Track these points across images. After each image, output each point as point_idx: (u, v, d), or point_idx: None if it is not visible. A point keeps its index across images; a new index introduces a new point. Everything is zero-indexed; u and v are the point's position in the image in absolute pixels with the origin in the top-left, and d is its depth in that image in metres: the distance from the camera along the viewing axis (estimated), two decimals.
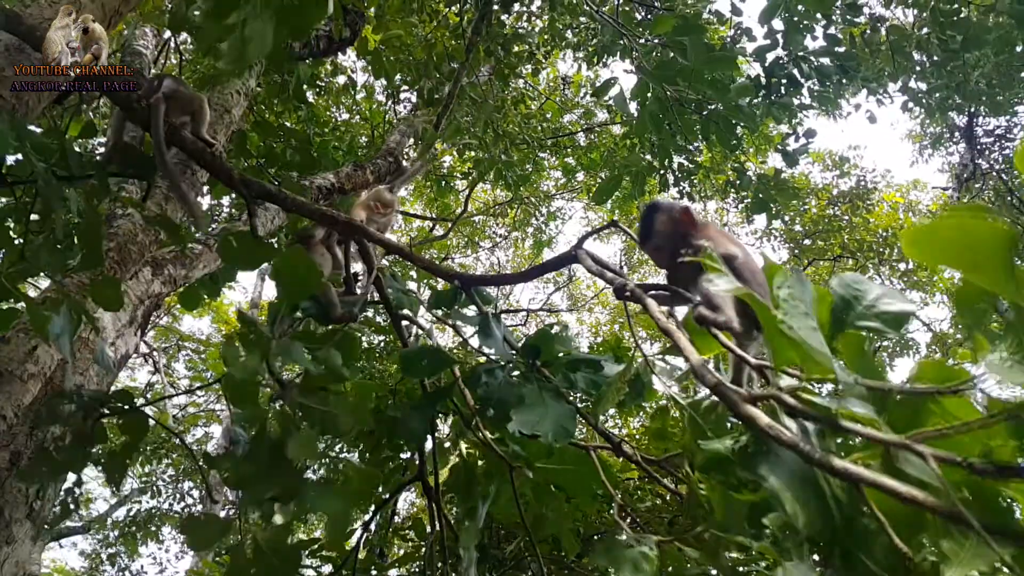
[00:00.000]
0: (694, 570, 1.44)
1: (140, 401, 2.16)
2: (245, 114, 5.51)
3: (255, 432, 1.71)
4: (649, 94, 4.78)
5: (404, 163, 6.69)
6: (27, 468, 1.95)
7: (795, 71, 5.86)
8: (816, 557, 1.12)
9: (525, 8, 8.25)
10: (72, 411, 1.88)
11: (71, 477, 2.21)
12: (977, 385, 1.00)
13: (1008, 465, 0.88)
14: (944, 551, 0.98)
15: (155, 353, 13.03)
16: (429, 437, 2.04)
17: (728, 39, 6.77)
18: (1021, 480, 0.88)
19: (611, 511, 2.04)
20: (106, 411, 1.93)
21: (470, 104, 7.62)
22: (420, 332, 2.23)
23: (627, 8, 6.55)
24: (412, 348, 2.04)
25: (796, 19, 5.61)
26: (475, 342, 2.05)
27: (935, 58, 6.72)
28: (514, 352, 1.86)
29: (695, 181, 7.29)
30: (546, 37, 8.04)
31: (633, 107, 5.07)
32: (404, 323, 2.42)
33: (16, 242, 2.30)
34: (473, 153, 8.06)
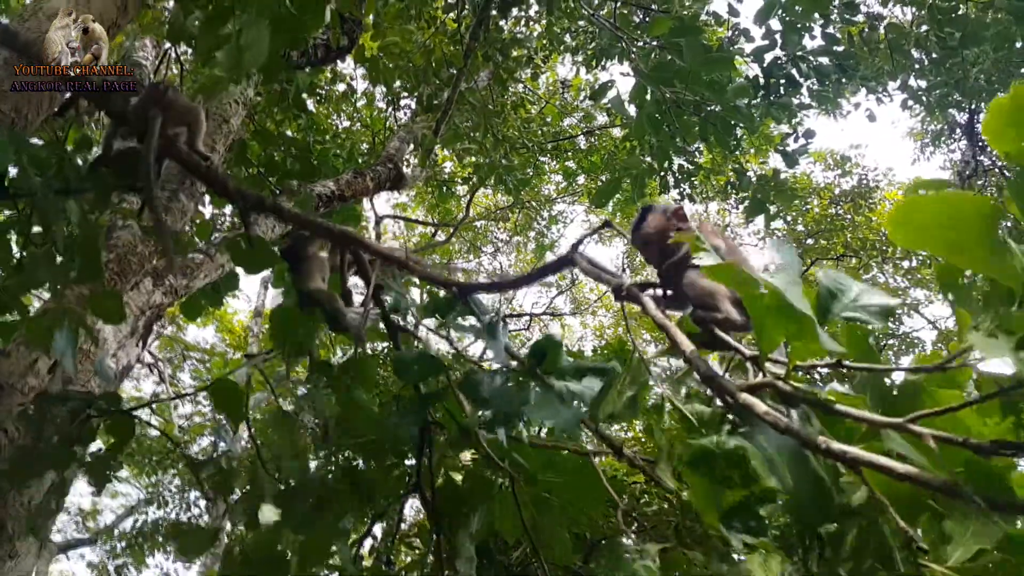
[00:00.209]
0: (701, 572, 1.43)
1: (136, 404, 2.17)
2: (244, 123, 5.52)
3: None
4: (647, 96, 4.78)
5: (404, 169, 6.70)
6: (8, 467, 1.95)
7: (794, 71, 5.86)
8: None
9: (523, 13, 8.26)
10: (59, 411, 1.89)
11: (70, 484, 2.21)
12: (967, 363, 1.00)
13: (1005, 441, 0.88)
14: (947, 531, 0.98)
15: (160, 363, 13.05)
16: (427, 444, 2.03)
17: (726, 40, 6.76)
18: (1019, 454, 0.88)
19: (616, 516, 2.03)
20: (93, 412, 1.93)
21: (470, 109, 7.63)
22: (417, 341, 2.23)
23: (625, 11, 6.55)
24: (405, 352, 2.03)
25: (792, 19, 5.60)
26: (472, 351, 2.05)
27: (934, 55, 6.71)
28: (516, 361, 1.85)
29: (695, 182, 7.29)
30: (544, 41, 8.05)
31: (632, 109, 5.07)
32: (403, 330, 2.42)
33: (19, 254, 2.31)
34: (473, 158, 8.07)
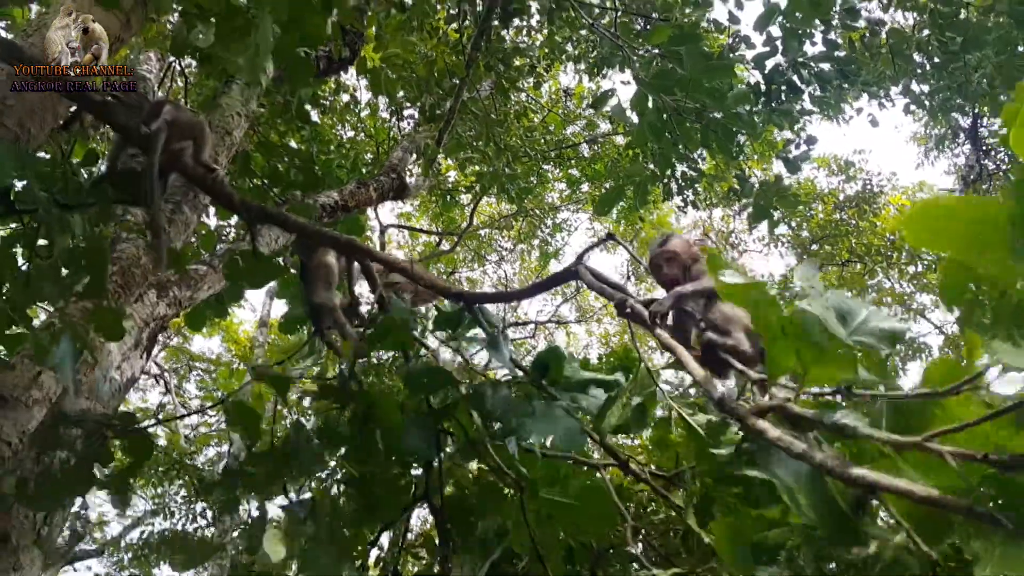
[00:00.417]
0: None
1: (150, 422, 2.16)
2: (248, 135, 5.54)
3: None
4: (649, 104, 4.78)
5: (408, 179, 6.71)
6: (33, 493, 1.94)
7: (795, 77, 5.86)
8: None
9: (524, 23, 8.29)
10: (76, 434, 1.88)
11: (78, 501, 2.21)
12: (977, 384, 0.99)
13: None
14: (975, 552, 0.96)
15: (166, 374, 13.07)
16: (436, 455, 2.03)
17: (727, 47, 6.77)
18: None
19: (623, 529, 2.01)
20: (109, 433, 1.93)
21: (472, 119, 7.65)
22: (425, 353, 2.23)
23: (625, 20, 6.57)
24: (415, 366, 2.03)
25: (793, 25, 5.61)
26: (479, 360, 2.05)
27: (935, 60, 6.71)
28: (521, 372, 1.85)
29: (699, 189, 7.28)
30: (546, 51, 8.08)
31: (634, 117, 5.08)
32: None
33: (24, 267, 2.31)
34: (476, 167, 8.08)
